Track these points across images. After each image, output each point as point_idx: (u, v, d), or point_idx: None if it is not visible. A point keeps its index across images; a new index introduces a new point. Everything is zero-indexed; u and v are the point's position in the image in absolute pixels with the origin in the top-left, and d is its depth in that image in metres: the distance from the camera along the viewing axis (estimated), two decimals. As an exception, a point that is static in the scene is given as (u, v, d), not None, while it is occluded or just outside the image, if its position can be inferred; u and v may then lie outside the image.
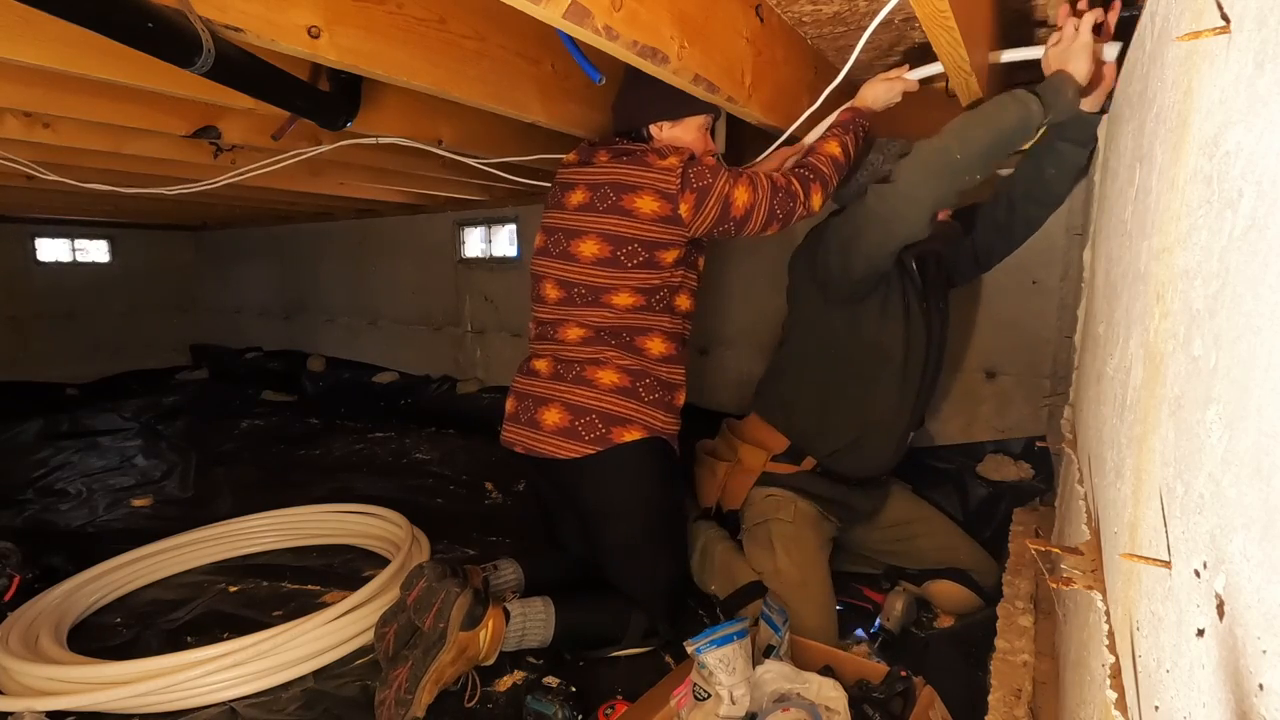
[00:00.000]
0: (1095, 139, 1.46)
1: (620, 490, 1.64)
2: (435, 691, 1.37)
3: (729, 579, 1.76)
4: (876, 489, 1.85)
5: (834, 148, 1.61)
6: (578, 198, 1.60)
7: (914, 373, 1.72)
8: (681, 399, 1.71)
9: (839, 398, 1.74)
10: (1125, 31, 1.30)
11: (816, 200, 1.59)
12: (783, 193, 1.56)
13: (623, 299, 1.59)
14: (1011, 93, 1.31)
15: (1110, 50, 1.30)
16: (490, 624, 1.46)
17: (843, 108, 1.65)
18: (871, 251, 1.54)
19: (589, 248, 1.57)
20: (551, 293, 1.65)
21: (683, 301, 1.68)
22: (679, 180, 1.50)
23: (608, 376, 1.60)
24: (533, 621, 1.53)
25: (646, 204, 1.52)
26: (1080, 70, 1.27)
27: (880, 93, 1.62)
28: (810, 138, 1.67)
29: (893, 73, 1.61)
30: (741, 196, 1.53)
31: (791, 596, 1.60)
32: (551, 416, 1.61)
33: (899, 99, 1.65)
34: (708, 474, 1.92)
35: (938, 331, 1.75)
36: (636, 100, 1.61)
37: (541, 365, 1.67)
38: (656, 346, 1.64)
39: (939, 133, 1.39)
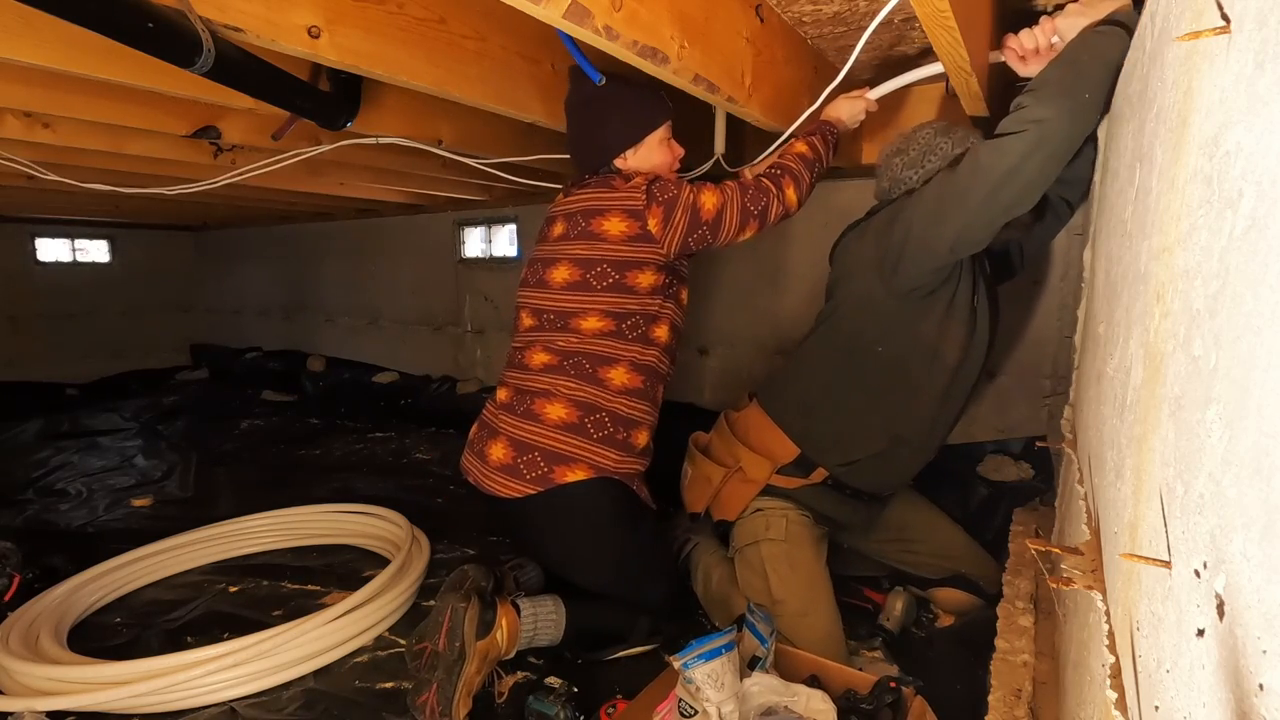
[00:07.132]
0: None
1: (571, 537, 1.57)
2: (469, 702, 1.38)
3: (726, 612, 1.68)
4: (879, 503, 1.74)
5: (801, 146, 1.62)
6: (557, 229, 1.60)
7: (963, 383, 1.55)
8: (642, 438, 1.62)
9: (874, 404, 1.55)
10: None
11: (792, 195, 1.57)
12: (752, 190, 1.54)
13: (591, 323, 1.55)
14: (1096, 29, 1.11)
15: None
16: (504, 623, 1.46)
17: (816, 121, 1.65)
18: (972, 223, 1.26)
19: (560, 274, 1.56)
20: (526, 321, 1.64)
21: (661, 333, 1.61)
22: (644, 196, 1.49)
23: (555, 411, 1.54)
24: (544, 620, 1.52)
25: (615, 225, 1.51)
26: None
27: (844, 110, 1.64)
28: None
29: (855, 92, 1.63)
30: (709, 200, 1.51)
31: (795, 629, 1.50)
32: (497, 451, 1.57)
33: (863, 117, 1.68)
34: (700, 477, 1.73)
35: (992, 335, 1.58)
36: (592, 145, 1.60)
37: (503, 394, 1.64)
38: (619, 377, 1.57)
39: (1045, 79, 1.14)
